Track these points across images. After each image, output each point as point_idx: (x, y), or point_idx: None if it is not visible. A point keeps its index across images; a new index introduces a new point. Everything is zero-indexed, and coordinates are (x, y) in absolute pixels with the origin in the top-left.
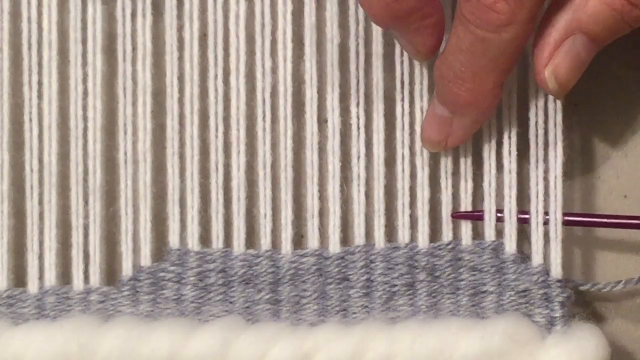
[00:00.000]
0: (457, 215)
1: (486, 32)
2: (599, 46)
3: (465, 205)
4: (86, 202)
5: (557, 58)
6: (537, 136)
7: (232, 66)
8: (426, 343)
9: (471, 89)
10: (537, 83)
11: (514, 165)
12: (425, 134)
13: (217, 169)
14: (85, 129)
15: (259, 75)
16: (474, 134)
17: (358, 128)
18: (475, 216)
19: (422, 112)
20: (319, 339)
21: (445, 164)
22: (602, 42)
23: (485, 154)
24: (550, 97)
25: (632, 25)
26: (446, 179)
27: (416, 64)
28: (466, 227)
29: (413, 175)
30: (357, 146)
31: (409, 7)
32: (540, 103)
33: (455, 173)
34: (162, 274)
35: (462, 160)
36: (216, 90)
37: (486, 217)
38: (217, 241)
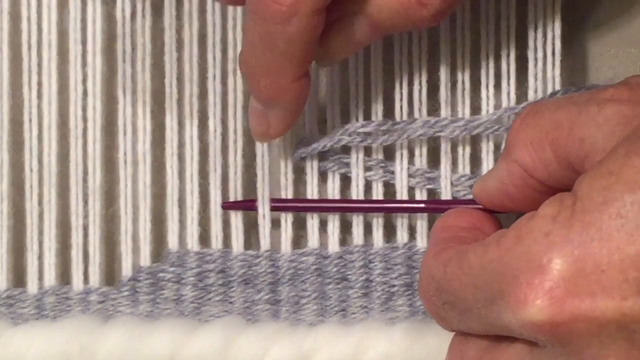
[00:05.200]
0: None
1: (271, 24)
2: (380, 34)
3: None
4: (86, 202)
5: (332, 30)
6: None
7: (231, 67)
8: (425, 343)
9: (269, 83)
10: None
11: None
12: (250, 126)
13: (215, 169)
14: (84, 129)
15: None
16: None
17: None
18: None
19: (420, 113)
20: (318, 338)
21: (445, 163)
22: (384, 31)
23: (484, 154)
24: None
25: (416, 24)
26: (446, 177)
27: (415, 63)
28: None
29: (411, 175)
30: (357, 147)
31: None
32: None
33: (454, 172)
34: (161, 274)
35: (460, 160)
36: (215, 90)
37: None
38: (217, 241)
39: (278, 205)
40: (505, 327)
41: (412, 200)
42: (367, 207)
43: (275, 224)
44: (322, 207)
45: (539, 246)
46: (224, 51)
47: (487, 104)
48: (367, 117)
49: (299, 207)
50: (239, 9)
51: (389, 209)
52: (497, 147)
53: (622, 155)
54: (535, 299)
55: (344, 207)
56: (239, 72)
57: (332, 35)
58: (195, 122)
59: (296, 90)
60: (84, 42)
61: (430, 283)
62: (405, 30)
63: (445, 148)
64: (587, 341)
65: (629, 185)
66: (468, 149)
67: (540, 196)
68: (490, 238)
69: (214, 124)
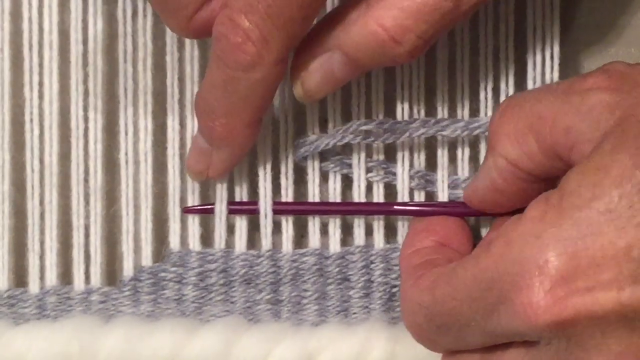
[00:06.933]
0: (188, 210)
1: (235, 71)
2: (359, 70)
3: None
4: (87, 202)
5: (310, 68)
6: None
7: None
8: None
9: (225, 124)
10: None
11: None
12: (188, 163)
13: None
14: (86, 130)
15: None
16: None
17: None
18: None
19: (419, 115)
20: (323, 338)
21: (442, 165)
22: (363, 68)
23: (482, 156)
24: None
25: (393, 61)
26: (442, 181)
27: (414, 66)
28: None
29: (411, 177)
30: (358, 147)
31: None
32: None
33: (453, 174)
34: (163, 274)
35: (459, 162)
36: None
37: None
38: (220, 241)
39: (279, 209)
40: (507, 333)
41: (410, 202)
42: (353, 210)
43: (277, 224)
44: (323, 210)
45: (533, 248)
46: None
47: (486, 107)
48: (368, 117)
49: (300, 210)
50: None
51: (390, 211)
52: None
53: (608, 151)
54: (539, 300)
55: (343, 210)
56: None
57: (311, 73)
58: (197, 122)
59: (247, 135)
60: (85, 42)
61: (417, 311)
62: (384, 66)
63: (441, 152)
64: (590, 333)
65: (617, 180)
66: (467, 151)
67: (530, 187)
68: (477, 249)
69: None
